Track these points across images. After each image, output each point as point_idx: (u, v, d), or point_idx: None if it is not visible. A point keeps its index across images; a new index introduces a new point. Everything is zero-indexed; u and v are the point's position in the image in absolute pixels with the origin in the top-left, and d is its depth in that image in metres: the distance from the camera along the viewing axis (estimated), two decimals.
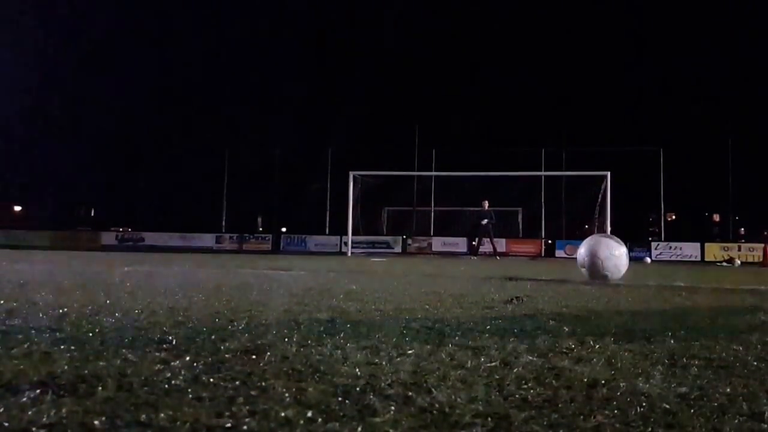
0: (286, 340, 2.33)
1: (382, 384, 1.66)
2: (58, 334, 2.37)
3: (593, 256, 7.18)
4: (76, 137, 58.45)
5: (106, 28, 77.52)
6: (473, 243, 26.86)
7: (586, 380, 1.75)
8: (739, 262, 25.75)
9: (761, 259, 26.32)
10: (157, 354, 2.02)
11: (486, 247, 27.30)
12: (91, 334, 2.37)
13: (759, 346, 2.40)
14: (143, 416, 1.33)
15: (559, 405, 1.50)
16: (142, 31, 77.85)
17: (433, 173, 38.91)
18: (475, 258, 23.56)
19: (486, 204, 26.71)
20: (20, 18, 55.33)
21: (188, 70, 74.00)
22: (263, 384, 1.63)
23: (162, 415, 1.34)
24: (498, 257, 25.68)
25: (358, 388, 1.60)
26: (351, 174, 29.35)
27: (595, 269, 7.15)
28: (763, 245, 27.92)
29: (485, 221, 26.28)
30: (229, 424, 1.29)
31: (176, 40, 77.23)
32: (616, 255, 7.19)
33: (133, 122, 61.75)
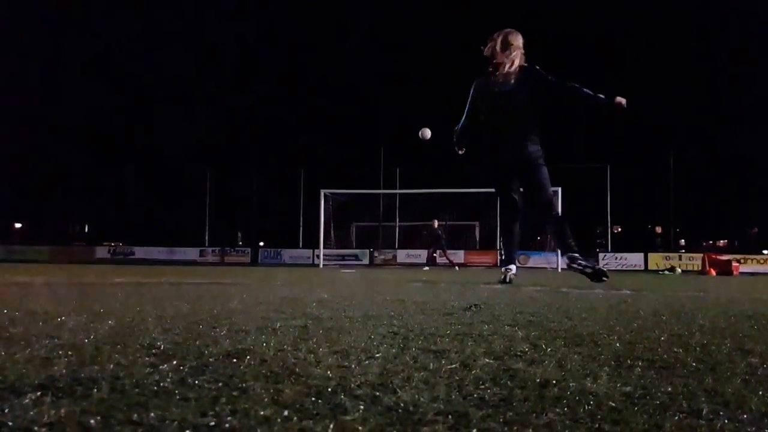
0: (264, 344, 2.32)
1: (352, 385, 1.66)
2: (56, 340, 2.35)
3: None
4: (71, 160, 57.97)
5: (95, 52, 76.96)
6: (433, 254, 27.08)
7: (538, 380, 1.76)
8: (679, 270, 26.05)
9: (700, 268, 26.57)
10: (146, 358, 2.01)
11: (441, 258, 27.57)
12: (86, 341, 2.35)
13: (698, 349, 2.42)
14: (135, 416, 1.33)
15: (514, 403, 1.50)
16: (133, 58, 77.29)
17: (398, 191, 39.10)
18: (427, 268, 23.77)
19: (436, 222, 27.04)
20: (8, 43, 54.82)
21: (175, 100, 73.55)
22: (243, 385, 1.63)
23: (152, 414, 1.34)
24: (457, 268, 25.79)
25: (329, 389, 1.60)
26: (322, 192, 29.48)
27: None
28: (701, 255, 28.18)
29: (441, 237, 26.63)
30: (212, 423, 1.29)
31: (164, 69, 76.76)
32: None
33: (125, 146, 61.43)
